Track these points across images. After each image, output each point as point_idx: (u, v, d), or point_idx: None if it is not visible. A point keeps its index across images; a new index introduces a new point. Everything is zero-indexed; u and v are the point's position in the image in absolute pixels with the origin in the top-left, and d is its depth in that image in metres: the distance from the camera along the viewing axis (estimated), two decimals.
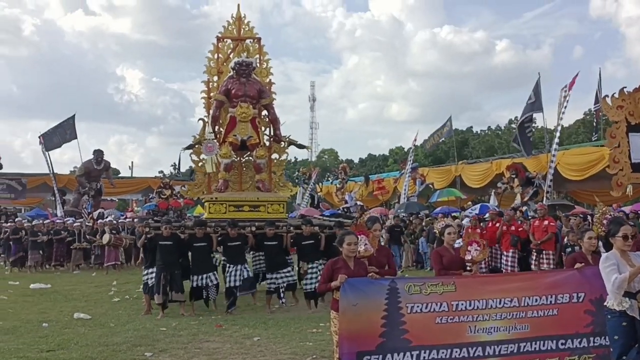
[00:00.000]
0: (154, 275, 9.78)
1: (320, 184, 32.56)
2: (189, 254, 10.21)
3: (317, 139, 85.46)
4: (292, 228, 10.59)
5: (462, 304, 5.32)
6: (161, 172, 57.69)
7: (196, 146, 11.70)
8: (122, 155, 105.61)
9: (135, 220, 19.77)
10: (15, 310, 10.16)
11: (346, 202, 26.60)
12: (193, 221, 10.77)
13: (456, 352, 5.17)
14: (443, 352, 5.13)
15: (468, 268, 6.22)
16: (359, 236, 5.74)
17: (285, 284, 10.13)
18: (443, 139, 31.18)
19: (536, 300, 5.52)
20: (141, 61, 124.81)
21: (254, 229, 10.30)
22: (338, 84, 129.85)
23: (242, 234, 10.18)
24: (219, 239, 10.08)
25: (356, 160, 64.74)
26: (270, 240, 10.24)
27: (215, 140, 11.26)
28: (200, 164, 11.86)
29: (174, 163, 55.42)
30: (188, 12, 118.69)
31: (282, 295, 10.10)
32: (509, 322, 5.39)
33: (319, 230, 10.65)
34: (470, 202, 23.11)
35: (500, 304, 5.42)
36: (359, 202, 26.60)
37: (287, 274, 10.26)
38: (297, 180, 33.69)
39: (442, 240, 6.86)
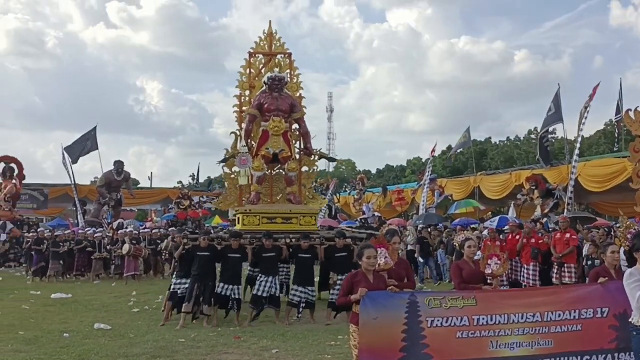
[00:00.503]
0: (184, 285, 9.89)
1: (337, 194, 32.53)
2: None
3: (335, 150, 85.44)
4: (324, 240, 10.63)
5: (483, 318, 5.26)
6: (180, 182, 58.32)
7: (229, 159, 11.83)
8: (141, 166, 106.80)
9: (154, 230, 19.97)
10: (37, 320, 10.28)
11: (364, 213, 26.55)
12: (229, 232, 10.85)
13: None
14: None
15: (488, 281, 6.16)
16: (378, 249, 5.71)
17: (305, 301, 10.17)
18: (461, 149, 31.06)
19: (559, 315, 5.44)
20: (160, 73, 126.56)
21: (288, 240, 10.43)
22: (355, 95, 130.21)
23: (277, 246, 10.30)
24: (254, 250, 10.18)
25: (373, 171, 64.65)
26: (304, 253, 10.30)
27: (248, 154, 11.39)
28: (232, 176, 12.02)
29: (193, 173, 55.95)
30: (206, 25, 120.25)
31: (300, 310, 10.15)
32: (531, 337, 5.31)
33: (352, 242, 10.69)
34: (489, 214, 22.91)
35: (522, 318, 5.35)
36: (376, 213, 26.54)
37: (311, 292, 10.31)
38: (314, 191, 33.77)
39: (462, 253, 6.81)
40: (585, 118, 15.68)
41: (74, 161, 28.10)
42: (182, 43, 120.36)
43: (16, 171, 28.12)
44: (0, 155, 28.80)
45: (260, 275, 10.19)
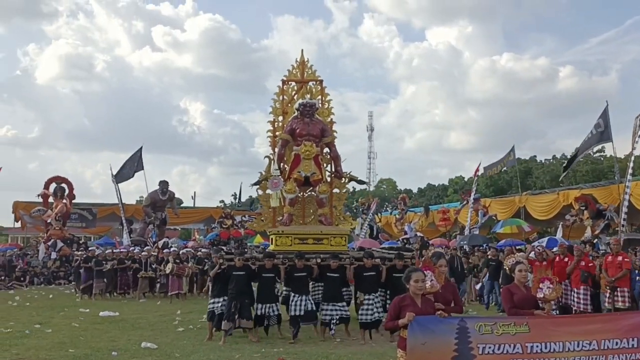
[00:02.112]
0: (220, 304, 10.23)
1: (379, 214, 32.32)
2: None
3: (375, 169, 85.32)
4: (354, 260, 10.88)
5: (537, 346, 5.10)
6: (222, 201, 59.14)
7: (262, 182, 12.29)
8: (184, 185, 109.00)
9: (203, 250, 20.25)
10: (86, 338, 10.49)
11: (406, 233, 26.30)
12: (262, 253, 11.23)
13: None
14: None
15: (540, 306, 5.97)
16: (425, 272, 5.62)
17: (338, 317, 10.40)
18: (505, 168, 30.44)
19: (617, 343, 5.24)
20: (203, 94, 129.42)
21: (319, 260, 10.72)
22: (395, 114, 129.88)
23: (308, 266, 10.61)
24: (287, 269, 10.50)
25: (415, 190, 64.03)
26: (333, 272, 10.58)
27: (280, 177, 11.80)
28: (265, 198, 12.42)
29: (234, 193, 56.72)
30: (248, 46, 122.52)
31: (332, 327, 10.37)
32: None
33: (380, 262, 10.93)
34: (535, 235, 22.27)
35: (578, 346, 5.17)
36: (418, 233, 26.22)
37: (342, 308, 10.52)
38: (355, 211, 33.64)
39: (510, 276, 6.65)
40: (639, 136, 15.14)
41: (119, 181, 28.80)
42: (224, 65, 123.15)
43: (67, 191, 29.18)
44: (52, 176, 29.96)
45: (293, 295, 10.53)
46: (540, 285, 5.93)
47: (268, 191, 12.28)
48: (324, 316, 10.47)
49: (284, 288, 11.43)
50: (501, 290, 6.01)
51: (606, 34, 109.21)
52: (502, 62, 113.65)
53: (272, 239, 12.10)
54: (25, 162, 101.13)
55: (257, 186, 12.47)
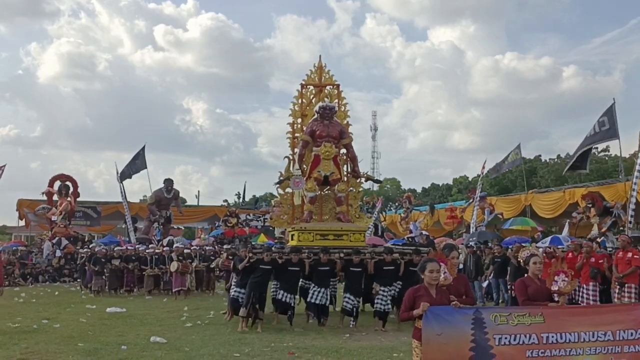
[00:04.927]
0: (243, 293, 10.82)
1: (383, 213, 32.30)
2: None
3: (379, 169, 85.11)
4: (374, 255, 11.47)
5: (553, 337, 5.07)
6: (225, 201, 59.05)
7: (284, 181, 12.83)
8: (187, 185, 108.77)
9: (208, 248, 20.27)
10: (95, 332, 10.49)
11: (411, 232, 26.25)
12: (289, 248, 11.73)
13: None
14: None
15: (555, 299, 5.94)
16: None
17: (356, 310, 11.10)
18: (509, 168, 30.33)
19: (632, 334, 5.22)
20: (205, 93, 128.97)
21: (342, 255, 11.29)
22: (399, 113, 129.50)
23: (332, 260, 11.18)
24: (311, 263, 11.07)
25: (419, 190, 63.95)
26: (355, 267, 11.15)
27: (302, 176, 12.40)
28: (285, 197, 13.06)
29: (238, 192, 56.66)
30: (251, 46, 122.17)
31: (353, 318, 11.02)
32: (604, 357, 5.10)
33: (399, 257, 11.50)
34: (539, 233, 22.14)
35: (593, 337, 5.14)
36: (424, 232, 26.15)
37: (359, 302, 11.32)
38: (359, 210, 33.70)
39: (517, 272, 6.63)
40: None
41: (122, 179, 28.83)
42: (226, 64, 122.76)
43: (71, 189, 29.17)
44: (56, 174, 29.99)
45: (314, 285, 11.13)
46: (556, 278, 5.91)
47: (288, 190, 12.93)
48: (345, 304, 11.03)
49: (302, 281, 11.85)
50: (515, 283, 5.96)
51: (610, 34, 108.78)
52: (505, 61, 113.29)
53: (293, 235, 12.60)
54: (27, 161, 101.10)
55: (278, 185, 13.04)
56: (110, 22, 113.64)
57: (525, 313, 5.19)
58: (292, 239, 12.64)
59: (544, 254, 12.87)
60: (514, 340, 5.01)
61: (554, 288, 5.87)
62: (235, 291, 11.11)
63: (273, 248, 12.34)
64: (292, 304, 10.93)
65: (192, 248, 19.52)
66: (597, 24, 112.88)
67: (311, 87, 13.76)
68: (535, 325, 5.09)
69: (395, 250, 11.80)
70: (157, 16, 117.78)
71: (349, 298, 11.00)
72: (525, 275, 6.03)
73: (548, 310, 5.33)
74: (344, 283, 11.78)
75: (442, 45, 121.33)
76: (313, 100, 13.52)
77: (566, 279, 5.89)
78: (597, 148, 36.94)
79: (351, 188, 13.22)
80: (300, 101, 13.59)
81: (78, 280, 21.01)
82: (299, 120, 13.53)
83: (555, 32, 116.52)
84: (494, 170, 28.88)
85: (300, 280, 11.75)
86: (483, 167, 25.87)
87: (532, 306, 5.52)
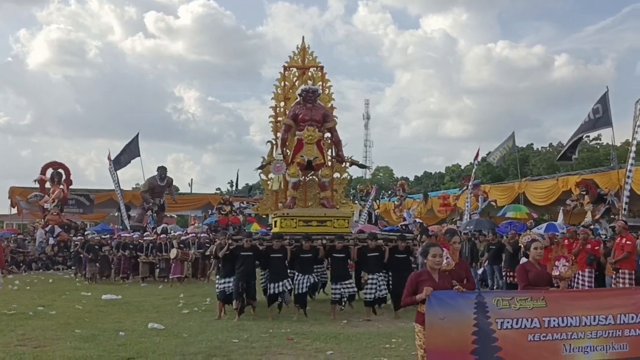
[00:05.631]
0: (231, 283, 10.50)
1: (377, 201, 32.32)
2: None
3: (372, 157, 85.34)
4: (358, 241, 11.19)
5: (555, 321, 5.09)
6: (218, 189, 58.87)
7: (266, 166, 12.52)
8: (179, 173, 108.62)
9: (203, 235, 20.23)
10: (91, 319, 10.47)
11: (404, 220, 26.27)
12: (270, 235, 11.51)
13: None
14: None
15: (555, 284, 5.97)
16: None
17: (347, 295, 10.87)
18: (509, 154, 30.31)
19: (632, 317, 5.26)
20: (197, 81, 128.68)
21: (324, 241, 10.98)
22: (391, 102, 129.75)
23: (314, 247, 10.89)
24: (293, 250, 10.75)
25: (411, 178, 64.07)
26: (339, 253, 10.91)
27: (283, 161, 12.04)
28: (268, 182, 12.67)
29: (231, 180, 56.46)
30: (243, 33, 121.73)
31: (343, 304, 10.94)
32: (605, 340, 5.13)
33: (383, 243, 11.21)
34: (531, 221, 22.19)
35: (594, 321, 5.17)
36: (417, 220, 26.20)
37: (350, 285, 10.99)
38: (352, 198, 33.68)
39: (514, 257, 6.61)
40: None
41: (117, 168, 28.68)
42: (218, 51, 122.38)
43: (64, 177, 28.95)
44: (48, 162, 29.74)
45: (297, 274, 10.81)
46: (556, 263, 5.93)
47: (271, 175, 12.51)
48: (333, 295, 10.80)
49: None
50: (516, 268, 5.98)
51: (602, 22, 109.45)
52: (497, 50, 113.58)
53: (275, 221, 12.23)
54: (18, 149, 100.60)
55: (260, 171, 12.69)
56: (100, 8, 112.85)
57: (528, 297, 5.20)
58: (275, 226, 12.28)
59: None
60: (516, 324, 5.02)
61: (555, 273, 5.89)
62: (219, 284, 10.79)
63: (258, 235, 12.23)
64: (283, 290, 10.53)
65: (188, 235, 19.48)
66: (590, 12, 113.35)
67: (294, 70, 13.34)
68: (537, 309, 5.11)
69: (379, 237, 11.53)
70: (147, 3, 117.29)
71: (335, 288, 10.81)
72: (526, 260, 6.06)
73: (550, 295, 5.35)
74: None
75: (435, 34, 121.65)
76: (296, 83, 13.11)
77: (567, 264, 5.91)
78: (588, 137, 37.14)
79: (336, 173, 12.93)
80: (283, 84, 13.21)
81: (72, 268, 20.94)
82: (282, 103, 13.18)
83: (548, 21, 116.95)
84: (501, 159, 28.86)
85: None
86: (477, 155, 25.90)
87: (534, 290, 5.55)
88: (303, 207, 12.49)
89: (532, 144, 53.18)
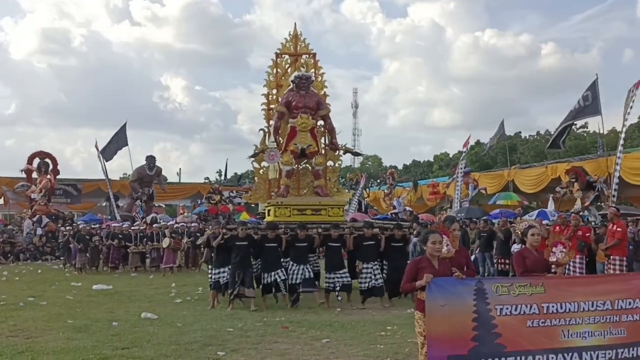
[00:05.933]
0: (226, 273, 10.40)
1: (367, 189, 32.35)
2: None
3: (360, 146, 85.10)
4: (354, 230, 11.12)
5: (553, 306, 5.09)
6: (207, 178, 58.53)
7: (259, 154, 12.35)
8: (167, 162, 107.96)
9: (193, 224, 20.13)
10: (83, 309, 10.37)
11: (394, 208, 26.36)
12: (263, 224, 11.40)
13: (552, 358, 4.93)
14: (539, 358, 4.90)
15: (552, 270, 5.98)
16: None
17: (340, 284, 10.66)
18: (492, 144, 30.53)
19: (630, 303, 5.27)
20: (184, 70, 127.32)
21: (320, 230, 10.86)
22: (379, 91, 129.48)
23: (310, 236, 10.77)
24: (288, 239, 10.64)
25: (400, 167, 64.18)
26: (334, 242, 10.81)
27: (277, 149, 11.88)
28: (261, 171, 12.53)
29: (219, 170, 56.27)
30: (230, 21, 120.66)
31: (337, 293, 10.70)
32: (603, 326, 5.14)
33: (379, 232, 11.17)
34: (520, 208, 22.32)
35: (592, 306, 5.17)
36: (407, 208, 26.30)
37: (344, 275, 10.80)
38: (343, 187, 33.67)
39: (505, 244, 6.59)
40: (631, 108, 15.27)
41: (108, 159, 28.47)
42: (205, 40, 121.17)
43: (51, 166, 28.67)
44: (34, 151, 29.39)
45: (292, 264, 10.68)
46: (554, 249, 5.94)
47: (264, 164, 12.38)
48: (327, 285, 10.72)
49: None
50: (514, 255, 5.98)
51: (589, 11, 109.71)
52: (485, 38, 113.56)
53: (269, 210, 12.13)
54: (2, 139, 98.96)
55: (253, 159, 12.55)
56: None
57: (527, 283, 5.19)
58: (268, 215, 12.18)
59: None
60: (515, 310, 5.02)
61: (552, 259, 5.91)
62: (213, 274, 10.68)
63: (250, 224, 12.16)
64: (280, 278, 10.42)
65: (178, 225, 19.38)
66: (577, 1, 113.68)
67: (286, 57, 13.20)
68: (536, 295, 5.10)
69: (375, 225, 11.46)
70: None
71: (328, 277, 10.71)
72: (522, 247, 6.07)
73: (549, 281, 5.36)
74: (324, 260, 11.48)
75: (423, 22, 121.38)
76: (289, 70, 12.95)
77: (564, 250, 5.93)
78: (575, 125, 37.39)
79: (330, 161, 12.79)
80: (275, 71, 13.04)
81: (60, 258, 20.74)
82: (274, 91, 12.98)
83: (535, 9, 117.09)
84: (491, 147, 29.03)
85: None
86: (467, 143, 25.96)
87: (533, 276, 5.55)
88: (297, 195, 12.37)
89: (520, 132, 53.49)
